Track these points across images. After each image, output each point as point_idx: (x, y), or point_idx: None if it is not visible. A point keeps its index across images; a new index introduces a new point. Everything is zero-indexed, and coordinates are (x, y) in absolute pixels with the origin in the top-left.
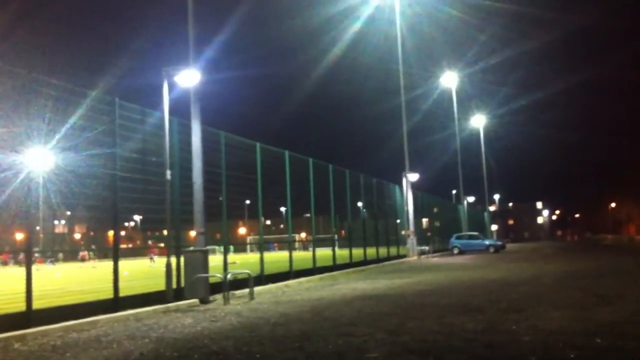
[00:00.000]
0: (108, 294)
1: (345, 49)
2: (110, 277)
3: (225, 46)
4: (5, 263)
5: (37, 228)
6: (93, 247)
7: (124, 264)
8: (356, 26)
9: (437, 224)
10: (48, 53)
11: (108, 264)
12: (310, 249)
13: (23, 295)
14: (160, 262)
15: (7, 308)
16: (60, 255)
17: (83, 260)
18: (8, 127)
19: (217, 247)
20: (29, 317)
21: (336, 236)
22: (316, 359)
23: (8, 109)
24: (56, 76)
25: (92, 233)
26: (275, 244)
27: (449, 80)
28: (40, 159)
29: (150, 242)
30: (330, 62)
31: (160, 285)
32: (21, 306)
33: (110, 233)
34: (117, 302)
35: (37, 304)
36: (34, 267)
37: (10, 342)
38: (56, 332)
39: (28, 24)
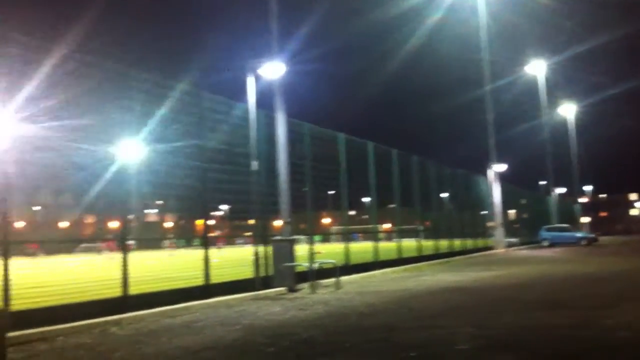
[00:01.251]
0: (199, 281)
1: (424, 40)
2: (199, 264)
3: (308, 39)
4: (100, 251)
5: (130, 217)
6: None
7: (211, 253)
8: (436, 16)
9: (525, 215)
10: (137, 48)
11: (192, 252)
12: (395, 240)
13: (119, 281)
14: (241, 251)
15: (105, 293)
16: (143, 243)
17: (171, 248)
18: (102, 120)
19: (302, 237)
20: (125, 302)
21: (421, 227)
22: (402, 350)
23: (101, 102)
24: (144, 70)
25: (181, 222)
26: (359, 234)
27: (536, 68)
28: (133, 151)
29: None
30: (410, 53)
31: (248, 273)
32: (118, 292)
33: (199, 222)
34: (208, 289)
35: (132, 290)
36: (131, 254)
37: (107, 326)
38: (151, 317)
39: (118, 19)
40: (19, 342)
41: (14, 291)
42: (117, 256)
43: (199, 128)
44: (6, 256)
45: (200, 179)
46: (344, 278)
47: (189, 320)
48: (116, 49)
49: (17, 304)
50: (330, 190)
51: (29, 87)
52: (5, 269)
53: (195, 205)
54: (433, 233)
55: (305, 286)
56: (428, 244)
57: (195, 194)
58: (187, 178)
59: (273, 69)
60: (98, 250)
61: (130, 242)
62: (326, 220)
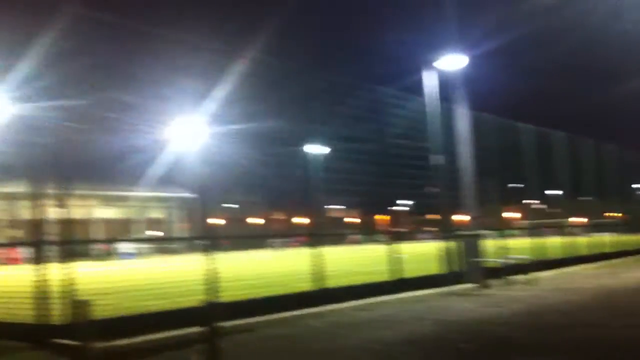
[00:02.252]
0: (390, 275)
1: (603, 19)
2: (387, 259)
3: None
4: (287, 246)
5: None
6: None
7: (398, 248)
8: None
9: None
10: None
11: (378, 248)
12: (587, 234)
13: (314, 275)
14: (425, 246)
15: (301, 287)
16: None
17: (354, 243)
18: (289, 122)
19: (488, 232)
20: (321, 295)
21: (618, 221)
22: (607, 349)
23: (288, 105)
24: (321, 68)
25: (362, 218)
26: (547, 229)
27: None
28: (317, 149)
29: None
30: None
31: (435, 268)
32: (313, 285)
33: (381, 217)
34: (398, 284)
35: (327, 284)
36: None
37: (306, 319)
38: (346, 310)
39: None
40: (226, 332)
41: (219, 284)
42: (306, 251)
43: (378, 123)
44: (211, 251)
45: (382, 175)
46: (534, 274)
47: (384, 314)
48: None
49: (222, 296)
50: (515, 183)
51: (222, 92)
52: (213, 264)
53: (378, 201)
54: (631, 227)
55: (496, 282)
56: (624, 239)
57: (378, 190)
58: (369, 174)
59: (453, 62)
60: (286, 246)
61: (320, 237)
62: (510, 215)
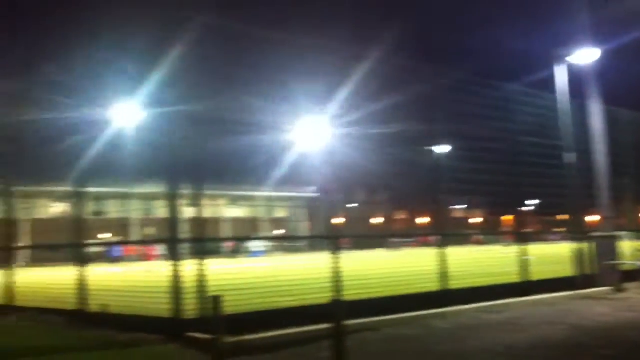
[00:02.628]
0: (516, 277)
1: None
2: (514, 261)
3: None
4: (410, 246)
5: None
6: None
7: (525, 249)
8: None
9: None
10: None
11: (503, 249)
12: None
13: (437, 276)
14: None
15: (425, 287)
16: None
17: (478, 243)
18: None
19: (624, 233)
20: (445, 296)
21: None
22: None
23: (409, 104)
24: (446, 66)
25: (486, 218)
26: None
27: None
28: (440, 148)
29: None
30: None
31: (564, 271)
32: (437, 286)
33: (507, 218)
34: (525, 286)
35: (450, 285)
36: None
37: (430, 319)
38: (470, 312)
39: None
40: (349, 331)
41: (342, 283)
42: (428, 251)
43: (505, 120)
44: (336, 250)
45: (510, 174)
46: None
47: (510, 317)
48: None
49: (345, 295)
50: None
51: (346, 93)
52: (337, 262)
53: (504, 201)
54: None
55: (631, 286)
56: None
57: (504, 189)
58: (496, 173)
59: (586, 55)
60: (407, 246)
61: (441, 237)
62: None
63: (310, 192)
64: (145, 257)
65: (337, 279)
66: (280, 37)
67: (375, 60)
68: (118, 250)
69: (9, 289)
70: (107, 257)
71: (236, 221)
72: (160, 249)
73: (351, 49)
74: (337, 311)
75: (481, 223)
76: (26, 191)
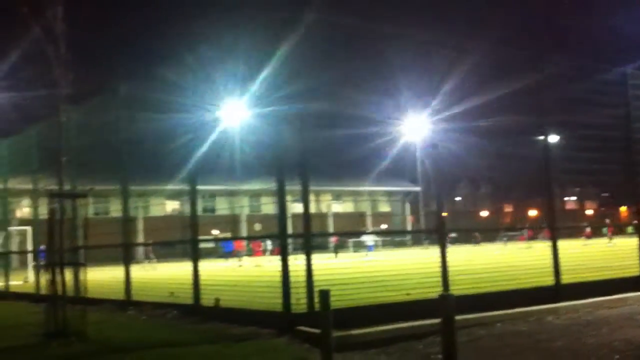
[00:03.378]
0: (634, 270)
1: None
2: (633, 254)
3: None
4: (517, 240)
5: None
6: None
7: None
8: None
9: None
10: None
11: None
12: None
13: (548, 270)
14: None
15: (536, 282)
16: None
17: (588, 237)
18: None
19: None
20: (558, 291)
21: None
22: None
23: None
24: (555, 52)
25: (600, 210)
26: None
27: None
28: (548, 139)
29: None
30: None
31: None
32: (549, 280)
33: (623, 209)
34: None
35: (564, 279)
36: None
37: (543, 315)
38: (585, 307)
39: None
40: (459, 326)
41: (450, 277)
42: (537, 245)
43: (621, 108)
44: (443, 244)
45: (624, 163)
46: None
47: (629, 312)
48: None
49: (453, 290)
50: None
51: (450, 87)
52: (444, 256)
53: (621, 192)
54: None
55: None
56: None
57: (621, 180)
58: (609, 162)
59: None
60: (516, 239)
61: (552, 230)
62: None
63: (413, 186)
64: (253, 253)
65: (445, 274)
66: (385, 31)
67: (480, 52)
68: (230, 246)
69: (127, 285)
70: (218, 253)
71: (341, 216)
72: (266, 245)
73: (455, 41)
74: (447, 306)
75: (595, 215)
76: (140, 190)
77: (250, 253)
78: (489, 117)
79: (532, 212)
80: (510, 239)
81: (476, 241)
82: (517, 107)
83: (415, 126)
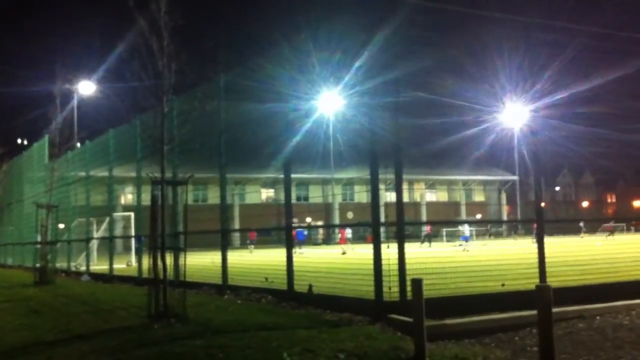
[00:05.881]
0: None
1: None
2: None
3: None
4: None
5: None
6: None
7: None
8: None
9: None
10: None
11: None
12: None
13: None
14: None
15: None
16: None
17: None
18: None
19: None
20: None
21: None
22: None
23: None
24: None
25: None
26: None
27: None
28: None
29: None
30: None
31: None
32: None
33: None
34: None
35: None
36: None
37: None
38: None
39: None
40: (557, 318)
41: (548, 268)
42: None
43: None
44: (541, 235)
45: None
46: None
47: None
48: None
49: (551, 281)
50: None
51: (551, 73)
52: (542, 247)
53: None
54: None
55: None
56: None
57: None
58: None
59: None
60: (621, 230)
61: None
62: None
63: (509, 175)
64: (341, 241)
65: (542, 265)
66: (484, 15)
67: (586, 35)
68: (302, 235)
69: (224, 269)
70: (312, 240)
71: (434, 205)
72: (351, 233)
73: (560, 24)
74: (543, 297)
75: None
76: (237, 178)
77: (338, 241)
78: (593, 104)
79: (638, 203)
80: (616, 230)
81: (578, 232)
82: (623, 93)
83: (514, 114)
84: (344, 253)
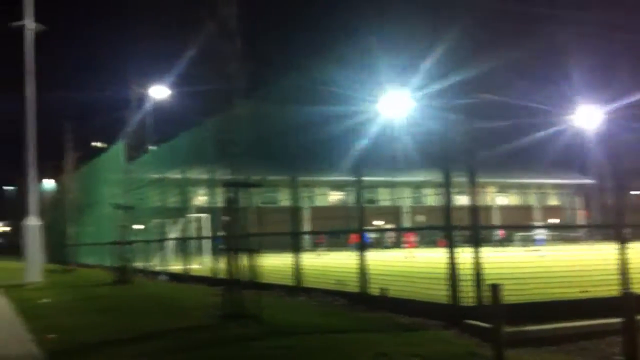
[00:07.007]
0: None
1: None
2: None
3: None
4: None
5: None
6: None
7: None
8: None
9: None
10: None
11: None
12: None
13: None
14: None
15: None
16: None
17: None
18: None
19: None
20: None
21: None
22: None
23: None
24: None
25: None
26: None
27: None
28: None
29: None
30: None
31: None
32: None
33: None
34: None
35: None
36: None
37: None
38: None
39: None
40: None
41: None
42: None
43: None
44: (623, 240)
45: None
46: None
47: None
48: None
49: (635, 288)
50: None
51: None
52: (623, 254)
53: None
54: None
55: None
56: None
57: None
58: None
59: None
60: None
61: None
62: None
63: (585, 179)
64: (408, 245)
65: (624, 271)
66: (556, 15)
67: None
68: (368, 237)
69: (297, 271)
70: (382, 243)
71: (506, 209)
72: (417, 236)
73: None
74: (628, 304)
75: None
76: (307, 180)
77: (406, 245)
78: None
79: None
80: None
81: None
82: None
83: (588, 115)
84: (407, 257)
